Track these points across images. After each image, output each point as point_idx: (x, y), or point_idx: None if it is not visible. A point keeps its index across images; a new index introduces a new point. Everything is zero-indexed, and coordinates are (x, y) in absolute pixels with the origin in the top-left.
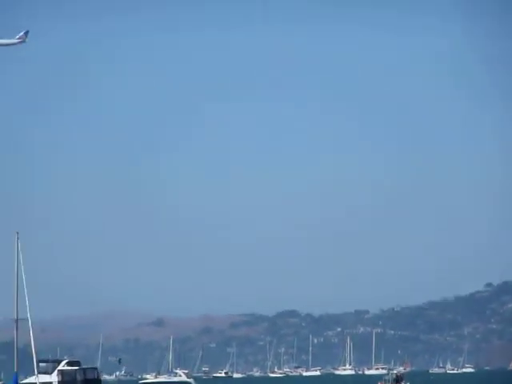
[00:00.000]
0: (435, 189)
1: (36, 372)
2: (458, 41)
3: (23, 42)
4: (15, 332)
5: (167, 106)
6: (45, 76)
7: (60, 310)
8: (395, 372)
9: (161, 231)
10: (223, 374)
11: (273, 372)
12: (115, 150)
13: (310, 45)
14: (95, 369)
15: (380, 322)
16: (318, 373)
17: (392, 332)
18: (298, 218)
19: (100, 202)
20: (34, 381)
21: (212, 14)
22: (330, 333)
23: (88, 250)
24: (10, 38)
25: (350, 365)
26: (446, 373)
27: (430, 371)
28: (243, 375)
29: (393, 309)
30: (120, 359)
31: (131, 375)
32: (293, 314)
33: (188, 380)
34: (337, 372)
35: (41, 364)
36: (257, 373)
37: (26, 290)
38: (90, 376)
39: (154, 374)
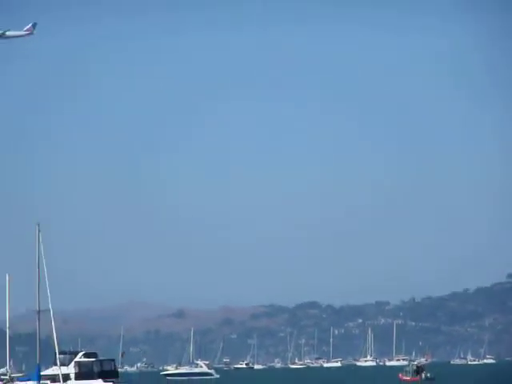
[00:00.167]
0: (435, 189)
1: (54, 363)
2: (458, 41)
3: (31, 34)
4: (37, 323)
5: (167, 105)
6: (45, 76)
7: (82, 302)
8: (415, 363)
9: (160, 231)
10: (244, 366)
11: (293, 363)
12: (115, 150)
13: (309, 45)
14: (112, 360)
15: (401, 314)
16: (338, 364)
17: (413, 323)
18: (297, 218)
19: (100, 202)
20: (50, 372)
21: (212, 14)
22: (351, 324)
23: (88, 250)
24: (17, 30)
25: (370, 356)
26: (467, 364)
27: (452, 362)
28: (264, 366)
29: (413, 300)
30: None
31: (152, 366)
32: (313, 305)
33: (209, 371)
34: (358, 363)
35: (58, 356)
36: (278, 364)
37: (47, 282)
38: (106, 367)
39: (174, 366)
